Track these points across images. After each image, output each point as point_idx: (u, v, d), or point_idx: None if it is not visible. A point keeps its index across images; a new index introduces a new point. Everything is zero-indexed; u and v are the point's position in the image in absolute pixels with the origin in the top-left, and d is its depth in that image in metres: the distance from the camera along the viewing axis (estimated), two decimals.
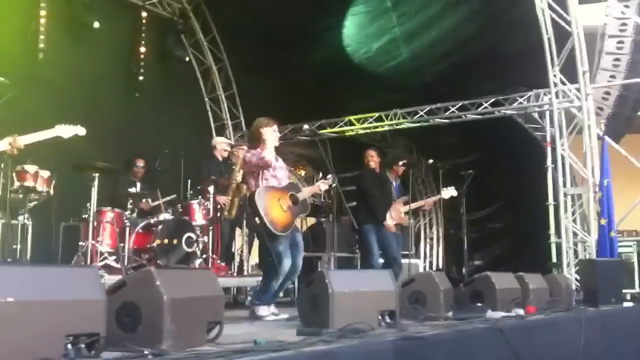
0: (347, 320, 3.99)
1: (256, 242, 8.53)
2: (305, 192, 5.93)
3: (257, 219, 5.47)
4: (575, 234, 9.25)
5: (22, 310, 2.62)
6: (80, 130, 5.36)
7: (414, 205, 8.09)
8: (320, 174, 6.59)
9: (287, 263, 5.57)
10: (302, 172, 8.04)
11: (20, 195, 6.60)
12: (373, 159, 7.85)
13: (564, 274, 8.60)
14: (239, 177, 7.95)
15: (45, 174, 6.61)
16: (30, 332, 2.64)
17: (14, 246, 6.61)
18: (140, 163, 8.32)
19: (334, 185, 6.12)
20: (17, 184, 6.43)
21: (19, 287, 2.66)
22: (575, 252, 9.22)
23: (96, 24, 9.45)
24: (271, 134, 5.74)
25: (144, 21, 10.54)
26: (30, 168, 6.45)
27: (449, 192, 8.16)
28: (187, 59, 11.40)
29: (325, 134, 10.96)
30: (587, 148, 8.98)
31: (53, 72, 8.90)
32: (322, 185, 6.06)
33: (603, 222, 8.45)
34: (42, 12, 8.74)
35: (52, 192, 6.74)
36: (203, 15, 11.70)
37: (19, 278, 2.72)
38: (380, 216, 7.58)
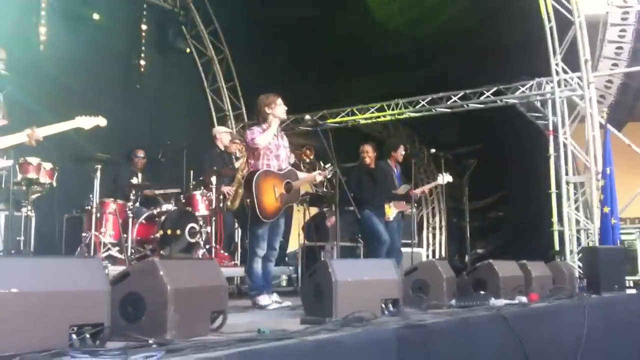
0: (351, 309, 3.99)
1: None
2: (300, 181, 5.95)
3: (248, 200, 5.56)
4: (577, 222, 9.25)
5: (27, 301, 2.63)
6: (102, 121, 5.34)
7: (416, 191, 8.11)
8: (322, 164, 6.58)
9: (263, 245, 5.64)
10: (307, 159, 8.04)
11: (23, 187, 6.61)
12: (368, 154, 7.83)
13: (566, 261, 8.60)
14: (244, 169, 7.96)
15: (48, 165, 6.62)
16: (35, 322, 2.64)
17: (18, 238, 6.64)
18: (141, 153, 8.33)
19: (329, 176, 6.12)
20: (20, 176, 6.45)
21: (23, 278, 2.67)
22: (578, 239, 9.22)
23: (96, 16, 9.44)
24: (277, 108, 5.78)
25: (144, 13, 10.52)
26: (33, 160, 6.46)
27: (445, 178, 8.19)
28: (188, 50, 11.38)
29: (327, 124, 10.96)
30: (589, 136, 8.96)
31: (54, 65, 8.90)
32: (318, 176, 6.10)
33: (606, 210, 8.45)
34: (43, 5, 8.73)
35: (54, 183, 6.76)
36: (204, 6, 11.68)
37: (22, 269, 2.72)
38: (376, 202, 7.63)
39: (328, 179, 6.59)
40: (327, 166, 5.99)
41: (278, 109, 5.81)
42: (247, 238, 9.00)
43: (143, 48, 10.43)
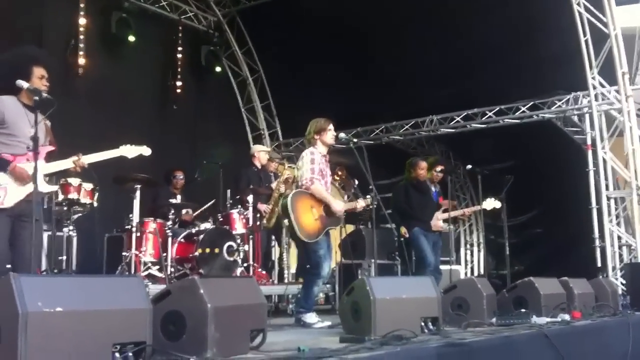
0: (390, 327, 3.97)
1: (293, 251, 8.57)
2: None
3: (286, 220, 5.62)
4: (619, 238, 9.06)
5: (71, 320, 2.68)
6: (145, 151, 5.40)
7: (453, 214, 8.06)
8: (356, 181, 6.57)
9: (327, 266, 5.64)
10: (338, 179, 8.02)
11: (65, 208, 6.76)
12: (421, 170, 7.79)
13: (609, 278, 8.43)
14: (282, 187, 8.01)
15: (89, 186, 6.76)
16: (79, 341, 2.68)
17: (60, 257, 6.78)
18: (180, 174, 8.43)
19: (372, 206, 6.10)
20: (61, 196, 6.60)
21: (68, 297, 2.72)
22: (620, 255, 9.04)
23: (133, 39, 9.63)
24: (326, 135, 5.86)
25: (180, 35, 10.70)
26: (74, 181, 6.60)
27: (491, 204, 8.11)
28: (219, 69, 11.48)
29: (361, 141, 10.95)
30: (629, 150, 8.80)
31: (92, 87, 9.10)
32: (359, 204, 6.10)
33: None
34: (81, 29, 8.94)
35: (95, 204, 6.90)
36: (238, 27, 11.82)
37: (67, 288, 2.78)
38: (425, 217, 7.61)
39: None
40: (367, 197, 6.01)
41: (327, 135, 5.85)
42: (283, 254, 9.13)
43: (179, 69, 10.60)
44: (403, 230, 7.58)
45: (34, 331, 2.52)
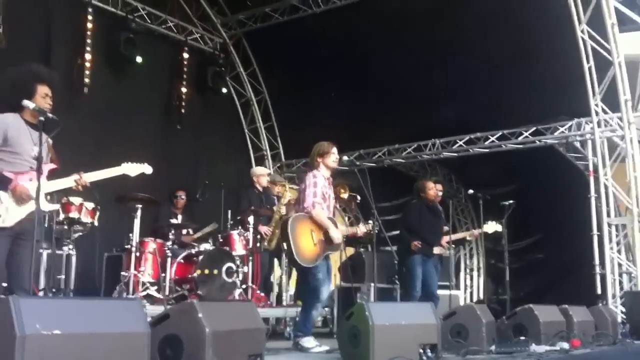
0: (388, 353, 3.97)
1: (293, 273, 8.56)
2: (341, 231, 5.93)
3: (285, 244, 5.61)
4: (620, 265, 9.03)
5: (69, 343, 2.68)
6: (147, 169, 5.41)
7: (454, 237, 8.02)
8: (358, 197, 6.54)
9: (326, 290, 5.61)
10: (341, 197, 7.98)
11: (65, 227, 6.77)
12: (433, 191, 7.78)
13: (609, 306, 8.39)
14: (282, 209, 8.02)
15: (90, 205, 6.77)
16: None
17: (58, 276, 6.77)
18: (182, 194, 8.44)
19: (373, 231, 6.10)
20: (62, 215, 6.61)
21: (66, 319, 2.72)
22: (621, 283, 9.00)
23: (139, 59, 9.69)
24: (329, 158, 5.90)
25: (185, 55, 10.78)
26: (75, 200, 6.62)
27: (492, 227, 8.08)
28: (224, 90, 11.54)
29: (364, 164, 10.97)
30: (630, 177, 8.81)
31: (98, 106, 9.15)
32: (360, 230, 6.09)
33: None
34: (88, 48, 9.00)
35: (96, 223, 6.90)
36: (243, 48, 11.91)
37: (66, 311, 2.78)
38: (431, 241, 7.58)
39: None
40: (369, 222, 6.01)
41: (330, 158, 5.89)
42: (282, 276, 9.10)
43: (184, 90, 10.66)
44: (414, 243, 7.47)
45: (31, 354, 2.52)
